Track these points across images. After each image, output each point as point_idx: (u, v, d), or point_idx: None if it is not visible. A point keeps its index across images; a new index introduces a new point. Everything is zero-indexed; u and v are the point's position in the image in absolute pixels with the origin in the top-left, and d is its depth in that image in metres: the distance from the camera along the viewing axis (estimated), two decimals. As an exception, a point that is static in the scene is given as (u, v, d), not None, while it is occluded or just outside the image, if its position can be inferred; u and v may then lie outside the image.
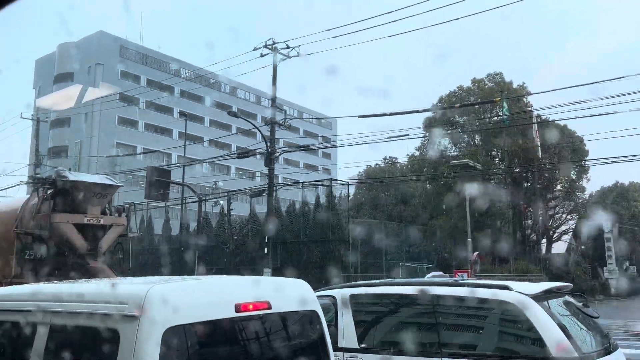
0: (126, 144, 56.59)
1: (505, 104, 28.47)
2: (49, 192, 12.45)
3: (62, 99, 53.74)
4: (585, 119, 29.51)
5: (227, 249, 28.11)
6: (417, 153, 37.46)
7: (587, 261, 37.63)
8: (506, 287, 4.71)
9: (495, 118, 33.14)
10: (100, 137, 54.86)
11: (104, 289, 3.48)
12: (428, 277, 9.31)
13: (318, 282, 16.33)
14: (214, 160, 40.55)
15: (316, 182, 35.97)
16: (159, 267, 27.37)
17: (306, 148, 28.26)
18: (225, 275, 4.04)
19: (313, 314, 3.64)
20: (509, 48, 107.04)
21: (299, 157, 66.87)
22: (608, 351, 4.58)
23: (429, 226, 33.23)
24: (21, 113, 35.84)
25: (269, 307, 3.24)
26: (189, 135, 36.51)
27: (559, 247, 41.53)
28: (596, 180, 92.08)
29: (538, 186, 34.24)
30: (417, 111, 27.00)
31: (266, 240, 22.48)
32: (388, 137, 21.90)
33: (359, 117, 20.27)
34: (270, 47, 22.77)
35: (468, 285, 5.23)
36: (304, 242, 26.07)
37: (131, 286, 3.40)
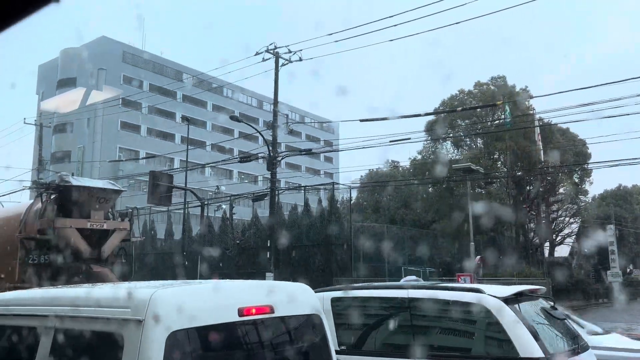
0: (129, 149, 56.75)
1: (507, 108, 28.48)
2: (52, 197, 12.49)
3: (65, 103, 53.93)
4: (588, 122, 29.53)
5: (230, 253, 28.13)
6: (419, 157, 37.47)
7: (590, 265, 37.54)
8: (479, 290, 4.89)
9: (498, 121, 33.15)
10: (103, 142, 55.02)
11: (108, 294, 3.50)
12: (403, 281, 9.52)
13: (320, 285, 16.26)
14: (216, 164, 40.65)
15: (318, 186, 35.99)
16: (161, 272, 27.40)
17: (308, 152, 28.26)
18: (228, 280, 4.06)
19: (316, 318, 3.66)
20: (512, 52, 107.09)
21: (301, 161, 66.95)
22: (576, 352, 4.72)
23: (431, 230, 33.20)
24: (24, 118, 35.99)
25: (272, 311, 3.26)
26: (191, 140, 36.54)
27: (562, 251, 41.46)
28: (599, 183, 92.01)
29: (540, 189, 34.21)
30: (419, 115, 26.89)
31: (268, 245, 22.50)
32: (390, 141, 21.93)
33: (361, 121, 20.32)
34: (271, 51, 22.86)
35: (443, 288, 5.40)
36: (307, 246, 26.07)
37: (135, 290, 3.42)
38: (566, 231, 41.25)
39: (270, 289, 3.74)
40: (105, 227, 12.71)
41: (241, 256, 28.16)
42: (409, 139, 22.51)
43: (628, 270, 47.01)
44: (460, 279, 18.58)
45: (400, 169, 41.68)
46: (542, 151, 31.36)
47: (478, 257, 23.96)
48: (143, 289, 3.29)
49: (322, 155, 72.55)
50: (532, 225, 36.77)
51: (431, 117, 34.30)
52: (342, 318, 5.60)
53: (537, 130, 30.54)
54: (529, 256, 33.52)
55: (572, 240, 42.40)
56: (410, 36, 31.24)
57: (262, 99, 66.27)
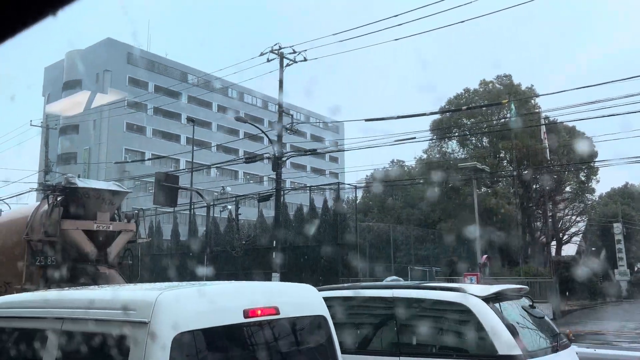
0: (134, 150, 56.94)
1: (513, 106, 28.38)
2: (58, 199, 12.52)
3: (71, 105, 54.19)
4: (594, 120, 29.37)
5: (236, 254, 28.16)
6: (425, 156, 37.39)
7: (598, 263, 37.34)
8: (460, 290, 5.01)
9: (503, 120, 33.03)
10: (108, 143, 55.23)
11: (114, 295, 3.51)
12: (386, 281, 9.70)
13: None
14: (221, 165, 40.71)
15: (324, 186, 35.97)
16: (167, 273, 27.47)
17: (313, 152, 28.26)
18: (233, 281, 4.07)
19: (321, 319, 3.66)
20: (518, 50, 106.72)
21: (306, 161, 66.97)
22: (555, 350, 4.83)
23: (437, 229, 33.13)
24: (30, 120, 36.14)
25: (277, 313, 3.26)
26: (196, 141, 36.70)
27: (569, 250, 41.26)
28: (606, 181, 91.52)
29: (547, 188, 34.06)
30: (425, 114, 26.80)
31: (274, 245, 22.51)
32: (395, 141, 21.90)
33: (366, 120, 20.35)
34: (276, 52, 22.86)
35: (426, 288, 5.53)
36: (312, 246, 26.06)
37: (141, 292, 3.43)
38: (573, 230, 41.05)
39: (275, 291, 3.74)
40: (111, 228, 12.74)
41: (247, 257, 28.18)
42: (414, 138, 22.47)
43: (636, 268, 46.76)
44: (466, 279, 18.52)
45: (406, 168, 41.62)
46: (548, 149, 31.22)
47: (484, 256, 23.88)
48: (149, 290, 3.30)
49: (327, 155, 72.54)
50: (538, 224, 36.62)
51: (436, 116, 34.23)
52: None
53: (543, 128, 30.40)
54: (535, 255, 33.38)
55: (579, 239, 42.21)
56: (415, 35, 31.20)
57: (267, 99, 66.33)
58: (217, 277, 24.55)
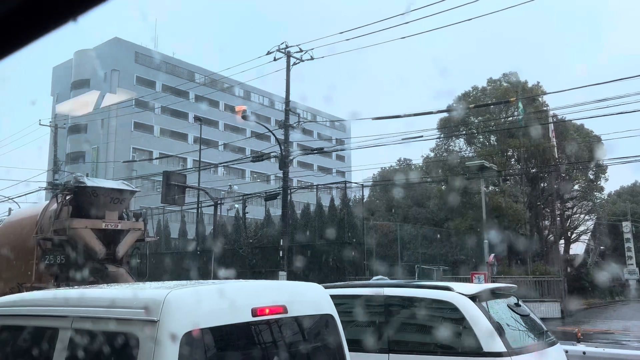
0: (142, 149, 57.17)
1: (520, 104, 28.23)
2: (67, 198, 12.61)
3: (80, 105, 54.50)
4: (603, 118, 29.17)
5: (243, 252, 28.23)
6: (432, 154, 37.26)
7: (606, 262, 37.10)
8: (447, 288, 5.12)
9: (511, 118, 32.86)
10: (116, 142, 55.49)
11: (123, 294, 3.53)
12: (372, 280, 9.90)
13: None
14: (228, 164, 40.78)
15: (330, 185, 35.95)
16: (175, 272, 27.58)
17: (320, 151, 28.27)
18: (242, 280, 4.08)
19: (329, 317, 3.66)
20: (525, 48, 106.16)
21: (313, 159, 66.96)
22: (540, 347, 4.97)
23: (444, 228, 33.03)
24: (39, 120, 36.39)
25: (285, 311, 3.27)
26: (204, 140, 36.75)
27: (578, 248, 41.00)
28: (615, 179, 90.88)
29: (555, 186, 33.86)
30: (432, 112, 26.82)
31: (281, 244, 22.55)
32: (402, 139, 21.87)
33: (373, 119, 20.32)
34: (283, 51, 22.88)
35: (415, 286, 5.68)
36: (319, 244, 26.07)
37: (150, 291, 3.45)
38: (581, 228, 40.78)
39: (283, 289, 3.75)
40: (119, 227, 12.81)
41: (254, 255, 28.25)
42: (422, 136, 22.42)
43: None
44: (474, 278, 18.45)
45: (413, 167, 41.51)
46: (555, 148, 31.04)
47: (492, 255, 23.78)
48: (157, 289, 3.31)
49: (334, 153, 72.51)
50: (546, 222, 36.41)
51: (444, 115, 34.11)
52: None
53: (551, 126, 30.23)
54: (543, 254, 33.20)
55: (587, 238, 41.93)
56: (422, 33, 31.13)
57: (274, 98, 66.37)
58: (224, 276, 24.61)
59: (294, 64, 22.97)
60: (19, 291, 10.98)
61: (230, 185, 42.88)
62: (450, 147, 36.83)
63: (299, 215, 29.78)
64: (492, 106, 32.86)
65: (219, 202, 28.16)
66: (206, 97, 60.13)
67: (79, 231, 12.14)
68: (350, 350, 5.17)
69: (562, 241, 37.16)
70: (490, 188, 32.77)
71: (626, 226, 39.16)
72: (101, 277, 11.92)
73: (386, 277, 11.81)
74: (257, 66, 56.57)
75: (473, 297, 4.89)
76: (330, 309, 3.69)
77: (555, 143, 30.71)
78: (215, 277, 22.77)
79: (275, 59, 22.86)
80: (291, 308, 3.30)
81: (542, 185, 35.26)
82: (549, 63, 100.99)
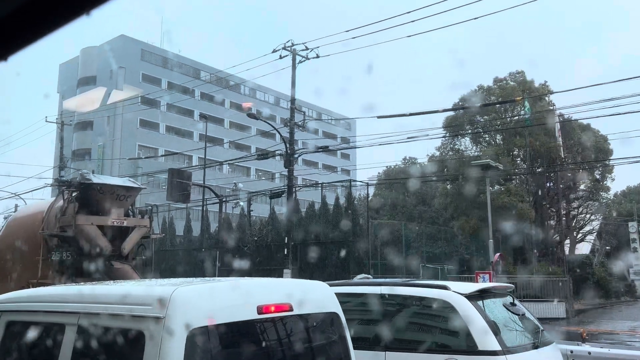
0: (148, 147, 57.32)
1: (527, 103, 28.12)
2: (73, 195, 12.65)
3: (86, 102, 54.69)
4: (610, 117, 29.03)
5: (248, 250, 28.28)
6: (437, 153, 37.16)
7: (612, 262, 36.94)
8: (444, 287, 5.19)
9: (517, 117, 32.73)
10: (122, 139, 55.66)
11: (129, 291, 3.55)
12: (356, 279, 9.93)
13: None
14: (234, 161, 40.83)
15: (335, 183, 35.95)
16: (181, 269, 27.66)
17: (325, 149, 28.26)
18: (247, 277, 4.09)
19: (334, 315, 3.67)
20: (531, 48, 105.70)
21: (318, 158, 66.94)
22: (535, 346, 5.01)
23: (449, 227, 32.96)
24: (46, 117, 36.51)
25: (291, 309, 3.27)
26: (209, 137, 36.81)
27: (583, 249, 40.84)
28: (621, 179, 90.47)
29: (561, 186, 33.72)
30: (437, 111, 26.84)
31: (286, 242, 22.57)
32: (408, 138, 21.84)
33: (378, 117, 20.28)
34: (288, 49, 22.86)
35: (413, 285, 5.74)
36: (324, 243, 26.08)
37: (156, 288, 3.46)
38: (587, 228, 40.61)
39: (289, 287, 3.75)
40: (125, 224, 12.84)
41: (259, 253, 28.28)
42: (427, 135, 22.37)
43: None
44: (479, 277, 18.40)
45: (418, 165, 41.42)
46: (562, 147, 30.90)
47: (497, 254, 23.72)
48: (164, 286, 3.33)
49: (339, 152, 72.46)
50: (552, 222, 36.26)
51: (449, 114, 34.01)
52: None
53: (558, 126, 30.10)
54: (549, 254, 33.08)
55: (593, 238, 41.75)
56: (428, 32, 31.06)
57: (279, 96, 66.39)
58: (229, 273, 24.68)
59: (300, 62, 22.97)
60: (27, 288, 11.03)
61: (235, 183, 42.96)
62: (456, 146, 36.72)
63: (304, 214, 29.80)
64: (497, 105, 32.73)
65: (224, 199, 28.22)
66: (212, 95, 60.22)
67: (85, 228, 12.18)
68: None
69: (567, 241, 37.02)
70: (495, 187, 32.64)
71: (632, 226, 38.99)
72: (107, 274, 11.96)
73: (370, 276, 11.83)
74: (263, 64, 56.51)
75: (469, 296, 4.96)
76: (336, 307, 3.70)
77: (561, 142, 30.58)
78: (221, 275, 22.83)
79: (280, 57, 22.86)
80: (297, 306, 3.31)
81: (548, 184, 35.11)
82: (557, 63, 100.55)
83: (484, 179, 25.23)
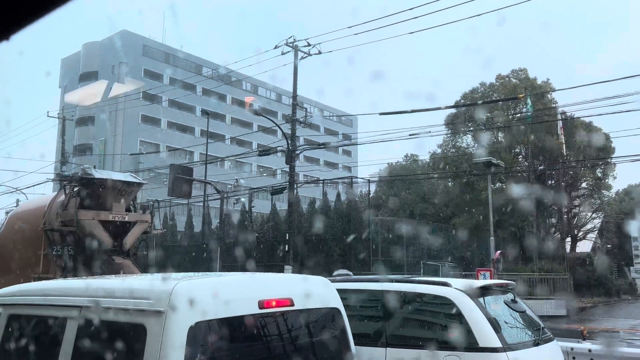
0: (149, 142, 57.33)
1: (529, 101, 28.04)
2: (75, 190, 12.67)
3: (87, 97, 54.68)
4: (612, 115, 28.97)
5: (249, 246, 28.32)
6: (439, 150, 37.13)
7: (613, 260, 36.94)
8: (445, 284, 5.19)
9: (519, 115, 32.65)
10: (124, 135, 55.68)
11: (131, 285, 3.55)
12: (335, 274, 9.93)
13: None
14: (235, 157, 40.86)
15: (337, 180, 35.93)
16: (182, 264, 27.70)
17: (327, 145, 28.25)
18: (249, 272, 4.09)
19: (335, 311, 3.67)
20: (534, 45, 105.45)
21: (319, 154, 66.91)
22: (536, 343, 5.03)
23: (450, 224, 32.96)
24: (47, 112, 36.53)
25: (292, 304, 3.28)
26: (210, 133, 36.83)
27: (584, 246, 40.82)
28: (623, 178, 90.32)
29: (562, 184, 33.68)
30: (439, 108, 26.63)
31: (287, 238, 22.59)
32: (409, 135, 21.82)
33: (380, 114, 20.24)
34: (291, 45, 22.83)
35: (413, 281, 5.72)
36: (325, 239, 26.11)
37: (157, 282, 3.47)
38: (588, 226, 40.57)
39: (290, 282, 3.76)
40: (126, 219, 12.86)
41: (260, 249, 28.33)
42: (429, 132, 22.33)
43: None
44: (479, 274, 18.41)
45: (420, 162, 41.40)
46: (564, 145, 30.84)
47: (498, 252, 23.71)
48: (165, 280, 3.33)
49: (340, 148, 72.42)
50: (553, 220, 36.24)
51: (452, 111, 33.95)
52: None
53: (560, 123, 30.03)
54: (550, 251, 33.06)
55: (594, 236, 41.72)
56: (430, 29, 31.00)
57: (281, 92, 66.34)
58: (230, 268, 24.72)
59: (302, 58, 22.94)
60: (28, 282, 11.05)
61: (236, 179, 42.99)
62: (458, 144, 36.67)
63: (305, 210, 29.82)
64: (499, 102, 32.64)
65: (225, 195, 28.23)
66: (213, 91, 60.20)
67: (86, 222, 12.20)
68: None
69: (568, 239, 37.00)
70: (497, 185, 32.61)
71: (634, 225, 38.96)
72: (108, 268, 11.99)
73: (351, 273, 11.85)
74: (264, 60, 56.58)
75: (470, 293, 4.96)
76: (337, 302, 3.70)
77: (563, 140, 30.51)
78: (222, 270, 22.85)
79: (282, 53, 22.85)
80: (298, 301, 3.31)
81: (549, 182, 35.06)
82: (560, 61, 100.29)
83: (485, 176, 25.21)
